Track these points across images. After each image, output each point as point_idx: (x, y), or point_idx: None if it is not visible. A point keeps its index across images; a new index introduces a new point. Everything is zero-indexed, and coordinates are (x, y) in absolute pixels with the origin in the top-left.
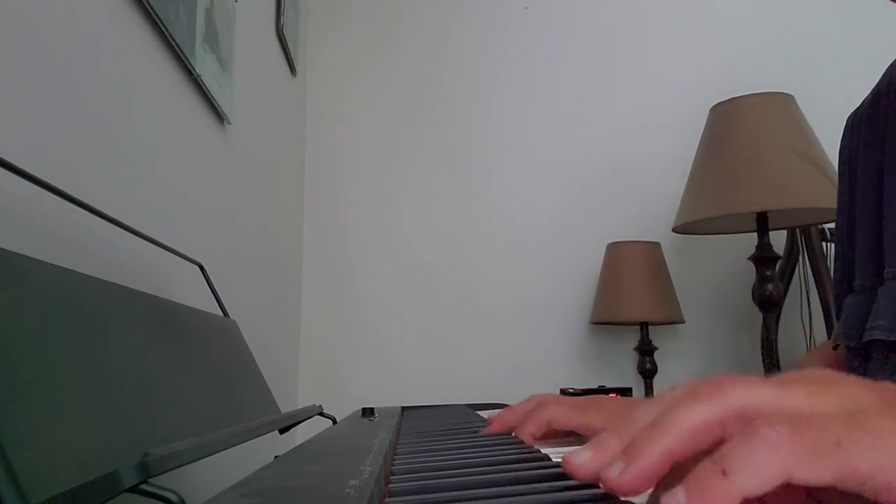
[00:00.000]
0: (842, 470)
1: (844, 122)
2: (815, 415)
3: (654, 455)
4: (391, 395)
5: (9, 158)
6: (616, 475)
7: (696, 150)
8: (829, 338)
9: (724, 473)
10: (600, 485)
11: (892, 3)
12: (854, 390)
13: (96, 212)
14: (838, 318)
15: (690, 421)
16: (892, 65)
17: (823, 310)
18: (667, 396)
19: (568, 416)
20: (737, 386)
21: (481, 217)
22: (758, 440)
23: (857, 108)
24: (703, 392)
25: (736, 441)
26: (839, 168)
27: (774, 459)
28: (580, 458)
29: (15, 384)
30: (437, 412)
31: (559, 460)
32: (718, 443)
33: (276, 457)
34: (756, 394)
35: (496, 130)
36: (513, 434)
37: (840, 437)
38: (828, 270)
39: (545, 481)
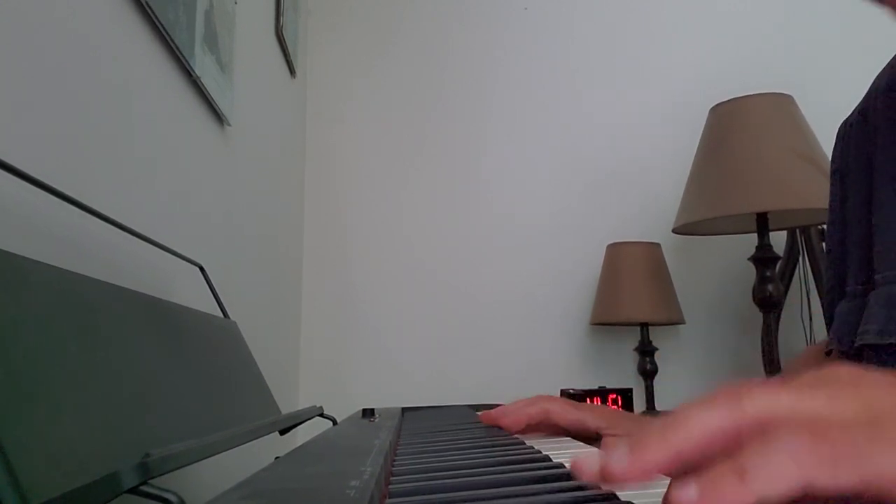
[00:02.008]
0: (860, 478)
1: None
2: (834, 423)
3: (663, 450)
4: (391, 395)
5: (9, 160)
6: (619, 463)
7: (696, 150)
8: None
9: (742, 476)
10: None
11: (880, 6)
12: (872, 393)
13: (96, 213)
14: (830, 324)
15: (705, 423)
16: (879, 75)
17: (823, 310)
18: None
19: (566, 410)
20: (755, 393)
21: (481, 217)
22: (778, 446)
23: (848, 118)
24: (720, 398)
25: (755, 446)
26: (831, 177)
27: (793, 467)
28: (589, 463)
29: (15, 385)
30: (438, 413)
31: (560, 461)
32: (732, 449)
33: (276, 458)
34: (775, 401)
35: (496, 131)
36: (510, 418)
37: (859, 446)
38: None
39: (546, 482)
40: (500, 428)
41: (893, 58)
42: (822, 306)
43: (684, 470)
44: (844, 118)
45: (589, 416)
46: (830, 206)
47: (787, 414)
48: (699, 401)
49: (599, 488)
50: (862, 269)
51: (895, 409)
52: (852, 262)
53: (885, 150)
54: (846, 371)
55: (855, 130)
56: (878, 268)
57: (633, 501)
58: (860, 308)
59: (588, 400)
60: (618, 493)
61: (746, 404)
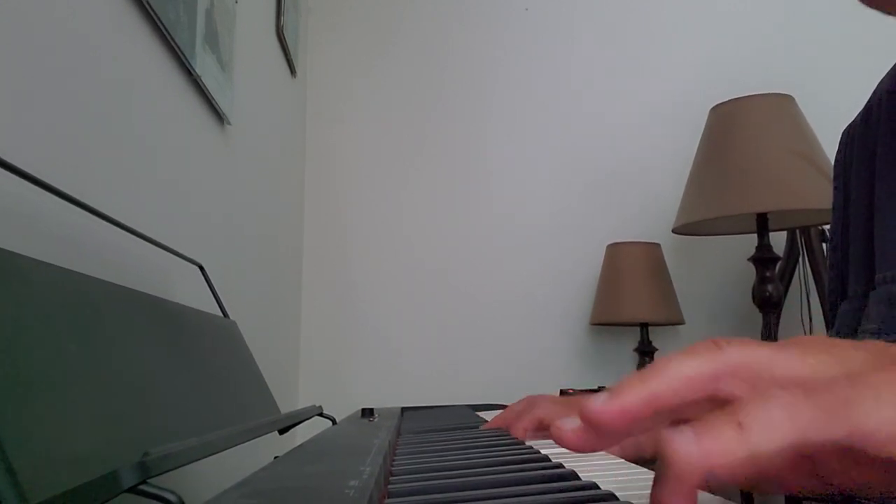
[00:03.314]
0: (851, 428)
1: (844, 123)
2: (819, 377)
3: (640, 394)
4: (391, 395)
5: (9, 159)
6: (596, 406)
7: (696, 150)
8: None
9: (740, 426)
10: (601, 485)
11: (888, 14)
12: (845, 350)
13: (96, 212)
14: (832, 325)
15: (682, 370)
16: (881, 80)
17: (823, 311)
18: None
19: (555, 412)
20: (732, 344)
21: (481, 217)
22: (775, 400)
23: (851, 124)
24: (699, 348)
25: (752, 399)
26: (834, 182)
27: (789, 421)
28: (569, 423)
29: (15, 384)
30: (437, 413)
31: (559, 461)
32: (707, 400)
33: (275, 457)
34: (751, 353)
35: (496, 131)
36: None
37: (847, 396)
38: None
39: (545, 482)
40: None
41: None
42: (823, 310)
43: (663, 419)
44: (846, 120)
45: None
46: (833, 210)
47: (762, 367)
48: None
49: (598, 488)
50: (862, 271)
51: (867, 360)
52: (853, 264)
53: (885, 155)
54: (814, 337)
55: (857, 136)
56: (877, 268)
57: (633, 502)
58: (860, 308)
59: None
60: (617, 493)
61: (725, 353)
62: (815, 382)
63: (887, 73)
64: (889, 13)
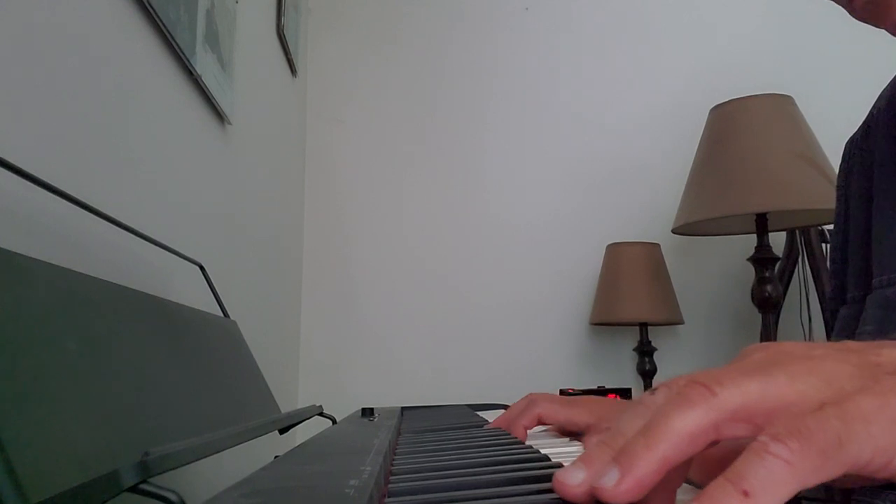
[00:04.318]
0: (849, 465)
1: (844, 123)
2: (808, 411)
3: (652, 463)
4: (391, 395)
5: (9, 159)
6: (612, 486)
7: (696, 150)
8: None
9: (745, 494)
10: None
11: (877, 26)
12: (829, 366)
13: (97, 212)
14: (832, 330)
15: (685, 427)
16: (882, 92)
17: (822, 311)
18: (649, 402)
19: (555, 410)
20: (724, 386)
21: (481, 217)
22: (772, 458)
23: (853, 136)
24: (693, 396)
25: (749, 459)
26: (836, 192)
27: (790, 475)
28: (572, 479)
29: (15, 384)
30: (437, 412)
31: (559, 460)
32: (709, 446)
33: (276, 457)
34: (744, 393)
35: (496, 130)
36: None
37: (839, 433)
38: (827, 272)
39: (545, 481)
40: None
41: None
42: (823, 311)
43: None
44: (845, 120)
45: (578, 412)
46: (835, 220)
47: (757, 405)
48: (665, 395)
49: None
50: (861, 277)
51: (853, 379)
52: (852, 271)
53: (882, 164)
54: (793, 346)
55: (858, 147)
56: (875, 273)
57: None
58: (858, 312)
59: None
60: None
61: (720, 400)
62: (807, 423)
63: (888, 85)
64: (880, 27)
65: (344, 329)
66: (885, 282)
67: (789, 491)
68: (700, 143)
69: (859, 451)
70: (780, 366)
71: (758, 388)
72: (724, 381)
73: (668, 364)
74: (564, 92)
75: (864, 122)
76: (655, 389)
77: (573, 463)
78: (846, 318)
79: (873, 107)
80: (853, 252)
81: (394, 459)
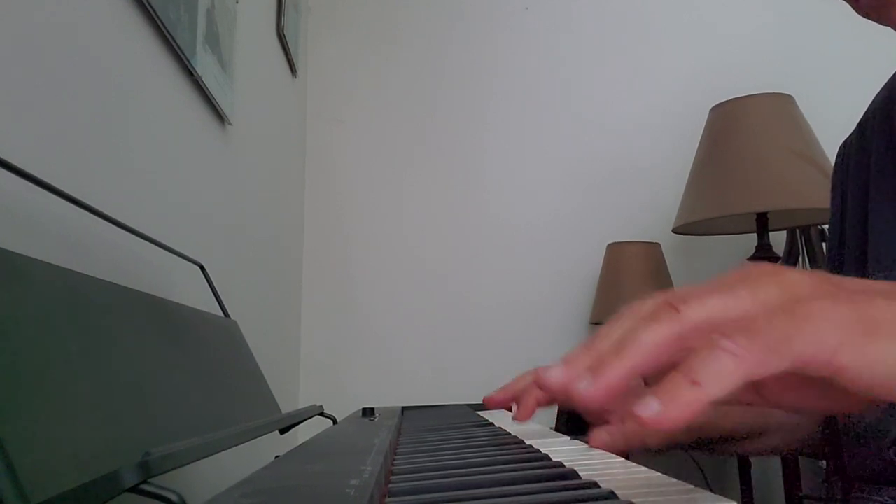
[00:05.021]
0: (793, 359)
1: (844, 123)
2: (762, 315)
3: (620, 370)
4: (391, 395)
5: (10, 159)
6: (584, 387)
7: (696, 150)
8: None
9: (694, 383)
10: (600, 484)
11: (882, 24)
12: (789, 277)
13: (97, 212)
14: None
15: (652, 339)
16: (877, 95)
17: None
18: (630, 315)
19: None
20: (689, 304)
21: (481, 216)
22: (720, 351)
23: (848, 137)
24: (661, 312)
25: (701, 354)
26: (832, 192)
27: (737, 366)
28: (551, 373)
29: (15, 384)
30: (438, 412)
31: (559, 460)
32: (676, 355)
33: (276, 457)
34: (707, 307)
35: (496, 130)
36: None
37: (787, 330)
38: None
39: (545, 481)
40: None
41: (892, 76)
42: None
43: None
44: (845, 120)
45: None
46: (831, 220)
47: (720, 314)
48: (640, 310)
49: (598, 486)
50: (858, 275)
51: (810, 288)
52: (850, 268)
53: (878, 163)
54: (767, 264)
55: (853, 148)
56: (870, 271)
57: (634, 501)
58: None
59: None
60: (617, 492)
61: (685, 315)
62: (757, 322)
63: (882, 87)
64: (885, 24)
65: (344, 329)
66: (880, 277)
67: (736, 380)
68: (700, 143)
69: (803, 346)
70: (745, 282)
71: (719, 302)
72: (688, 299)
73: None
74: (564, 92)
75: (859, 124)
76: (631, 305)
77: (557, 363)
78: None
79: (868, 109)
80: (850, 250)
81: (394, 459)
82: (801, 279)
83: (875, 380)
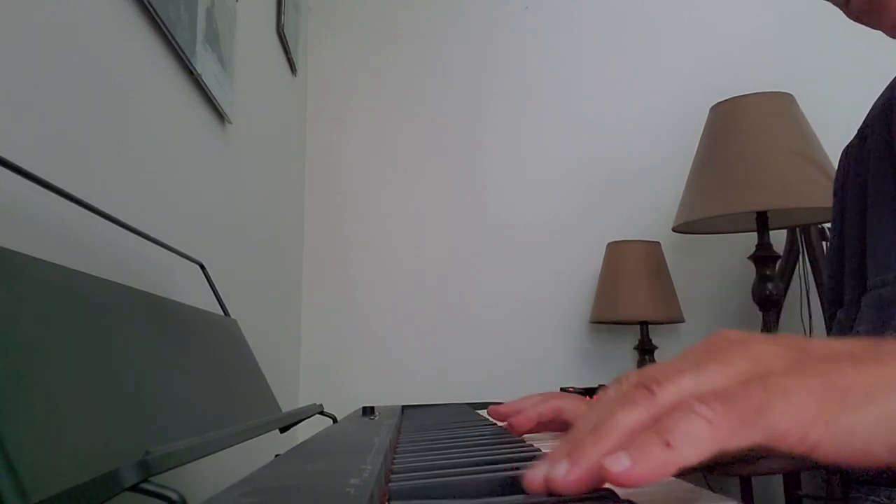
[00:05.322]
0: (765, 432)
1: (844, 122)
2: (737, 385)
3: (596, 454)
4: (391, 394)
5: (10, 158)
6: (562, 475)
7: (696, 150)
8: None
9: (668, 445)
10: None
11: (874, 28)
12: (758, 348)
13: (97, 211)
14: (830, 331)
15: (628, 424)
16: (877, 99)
17: (823, 310)
18: (606, 398)
19: (578, 408)
20: (662, 386)
21: (482, 216)
22: (695, 416)
23: (850, 143)
24: (636, 395)
25: (675, 416)
26: (833, 198)
27: (711, 433)
28: (534, 475)
29: (16, 383)
30: (438, 411)
31: None
32: None
33: (276, 455)
34: (681, 388)
35: (496, 130)
36: (521, 417)
37: (761, 402)
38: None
39: None
40: (508, 425)
41: (891, 82)
42: (825, 319)
43: None
44: (845, 119)
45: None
46: (832, 223)
47: (693, 394)
48: (617, 395)
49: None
50: (857, 280)
51: (779, 360)
52: (849, 274)
53: (877, 167)
54: (734, 333)
55: (854, 152)
56: (869, 274)
57: (634, 500)
58: (855, 314)
59: (588, 398)
60: (617, 492)
61: (659, 398)
62: (732, 392)
63: (881, 94)
64: (875, 28)
65: (344, 328)
66: (879, 282)
67: (708, 448)
68: (700, 142)
69: (777, 420)
70: (714, 357)
71: (691, 382)
72: (662, 380)
73: None
74: (564, 92)
75: (860, 130)
76: (609, 386)
77: (540, 461)
78: (843, 320)
79: (867, 116)
80: (849, 255)
81: (394, 458)
82: (768, 350)
83: (851, 450)
